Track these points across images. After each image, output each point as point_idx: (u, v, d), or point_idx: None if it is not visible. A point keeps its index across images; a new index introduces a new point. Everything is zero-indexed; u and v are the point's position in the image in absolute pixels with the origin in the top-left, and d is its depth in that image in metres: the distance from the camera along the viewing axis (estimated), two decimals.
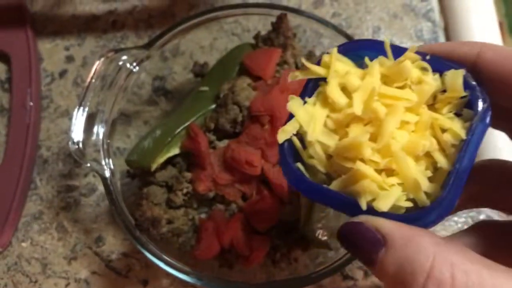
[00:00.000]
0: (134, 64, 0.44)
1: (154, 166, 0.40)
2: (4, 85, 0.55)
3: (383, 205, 0.21)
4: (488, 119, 0.22)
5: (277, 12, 0.44)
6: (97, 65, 0.41)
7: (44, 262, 0.49)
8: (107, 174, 0.41)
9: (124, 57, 0.43)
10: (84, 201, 0.50)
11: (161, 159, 0.40)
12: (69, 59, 0.55)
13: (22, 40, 0.54)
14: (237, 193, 0.40)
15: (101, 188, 0.50)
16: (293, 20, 0.45)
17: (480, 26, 0.54)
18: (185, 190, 0.40)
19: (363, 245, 0.20)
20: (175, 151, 0.41)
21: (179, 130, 0.41)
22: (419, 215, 0.21)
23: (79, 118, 0.41)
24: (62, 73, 0.55)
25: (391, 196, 0.21)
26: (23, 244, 0.49)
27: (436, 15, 0.55)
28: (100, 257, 0.49)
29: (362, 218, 0.21)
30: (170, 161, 0.42)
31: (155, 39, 0.45)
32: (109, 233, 0.49)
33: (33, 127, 0.51)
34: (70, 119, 0.42)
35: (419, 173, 0.21)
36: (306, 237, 0.39)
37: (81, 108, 0.41)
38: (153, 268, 0.47)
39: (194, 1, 0.56)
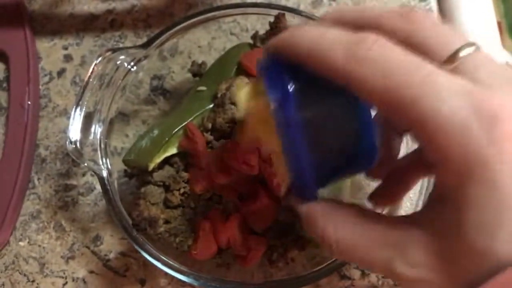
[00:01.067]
0: (132, 63, 0.44)
1: (151, 166, 0.40)
2: (2, 84, 0.55)
3: None
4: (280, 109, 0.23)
5: (275, 12, 0.44)
6: (94, 64, 0.41)
7: (41, 261, 0.49)
8: (104, 174, 0.41)
9: (122, 57, 0.43)
10: (82, 200, 0.50)
11: (159, 159, 0.40)
12: (68, 58, 0.55)
13: (20, 39, 0.54)
14: (234, 193, 0.40)
15: (99, 187, 0.50)
16: (292, 20, 0.45)
17: (478, 27, 0.54)
18: (182, 190, 0.40)
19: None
20: (173, 151, 0.41)
21: (176, 130, 0.41)
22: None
23: (76, 118, 0.41)
24: (61, 72, 0.55)
25: None
26: (21, 243, 0.49)
27: (435, 15, 0.55)
28: (97, 256, 0.49)
29: (285, 199, 0.28)
30: (167, 161, 0.42)
31: (153, 39, 0.45)
32: (107, 232, 0.49)
33: (31, 126, 0.51)
34: (69, 118, 0.41)
35: None
36: (303, 237, 0.39)
37: (78, 107, 0.41)
38: (151, 268, 0.47)
39: (192, 0, 0.56)
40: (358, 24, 0.23)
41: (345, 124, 0.24)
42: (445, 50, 0.21)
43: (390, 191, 0.31)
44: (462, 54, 0.21)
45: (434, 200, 0.22)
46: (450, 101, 0.18)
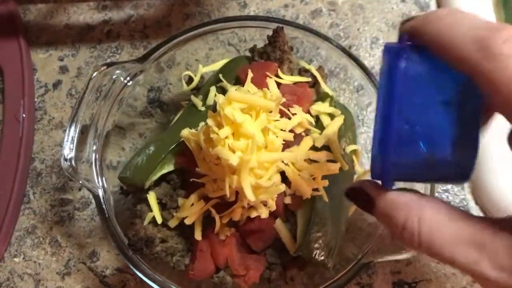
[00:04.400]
0: (128, 78, 0.43)
1: (147, 184, 0.39)
2: None
3: None
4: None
5: (274, 25, 0.43)
6: (89, 80, 0.40)
7: (37, 278, 0.48)
8: (100, 193, 0.40)
9: (118, 71, 0.42)
10: (78, 215, 0.50)
11: (155, 177, 0.39)
12: (63, 69, 0.55)
13: (14, 51, 0.53)
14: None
15: None
16: (290, 32, 0.44)
17: None
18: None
19: (360, 204, 0.26)
20: (169, 168, 0.40)
21: (173, 146, 0.40)
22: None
23: (71, 134, 0.40)
24: (56, 84, 0.54)
25: None
26: (16, 260, 0.49)
27: None
28: (94, 272, 0.48)
29: (357, 183, 0.26)
30: (164, 178, 0.41)
31: (149, 53, 0.44)
32: (103, 248, 0.49)
33: (26, 140, 0.51)
34: (65, 131, 0.41)
35: None
36: (302, 257, 0.38)
37: (73, 124, 0.40)
38: (147, 284, 0.46)
39: (189, 11, 0.55)
40: None
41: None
42: None
43: None
44: None
45: None
46: None
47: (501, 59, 0.18)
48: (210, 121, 0.34)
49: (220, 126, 0.33)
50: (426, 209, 0.23)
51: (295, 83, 0.42)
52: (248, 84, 0.40)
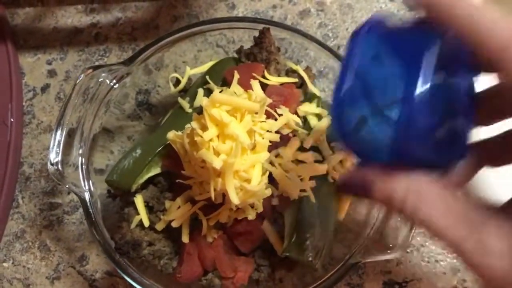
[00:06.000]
0: (114, 81, 0.43)
1: (134, 187, 0.39)
2: None
3: None
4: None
5: (262, 26, 0.43)
6: (75, 84, 0.40)
7: (26, 283, 0.48)
8: (87, 196, 0.40)
9: (104, 74, 0.42)
10: (67, 219, 0.49)
11: (142, 179, 0.39)
12: (52, 73, 0.54)
13: (2, 54, 0.53)
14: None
15: None
16: (278, 33, 0.44)
17: None
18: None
19: (356, 192, 0.26)
20: (156, 170, 0.40)
21: (159, 148, 0.40)
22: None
23: (57, 139, 0.40)
24: (44, 88, 0.54)
25: None
26: (5, 264, 0.48)
27: None
28: (83, 276, 0.48)
29: (347, 175, 0.26)
30: (151, 180, 0.41)
31: (136, 55, 0.44)
32: (93, 252, 0.48)
33: (15, 144, 0.50)
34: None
35: None
36: (291, 258, 0.38)
37: (59, 128, 0.40)
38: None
39: (177, 13, 0.55)
40: None
41: None
42: None
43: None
44: None
45: None
46: None
47: None
48: (194, 124, 0.34)
49: (204, 128, 0.33)
50: (422, 183, 0.23)
51: (282, 84, 0.42)
52: (235, 86, 0.39)
